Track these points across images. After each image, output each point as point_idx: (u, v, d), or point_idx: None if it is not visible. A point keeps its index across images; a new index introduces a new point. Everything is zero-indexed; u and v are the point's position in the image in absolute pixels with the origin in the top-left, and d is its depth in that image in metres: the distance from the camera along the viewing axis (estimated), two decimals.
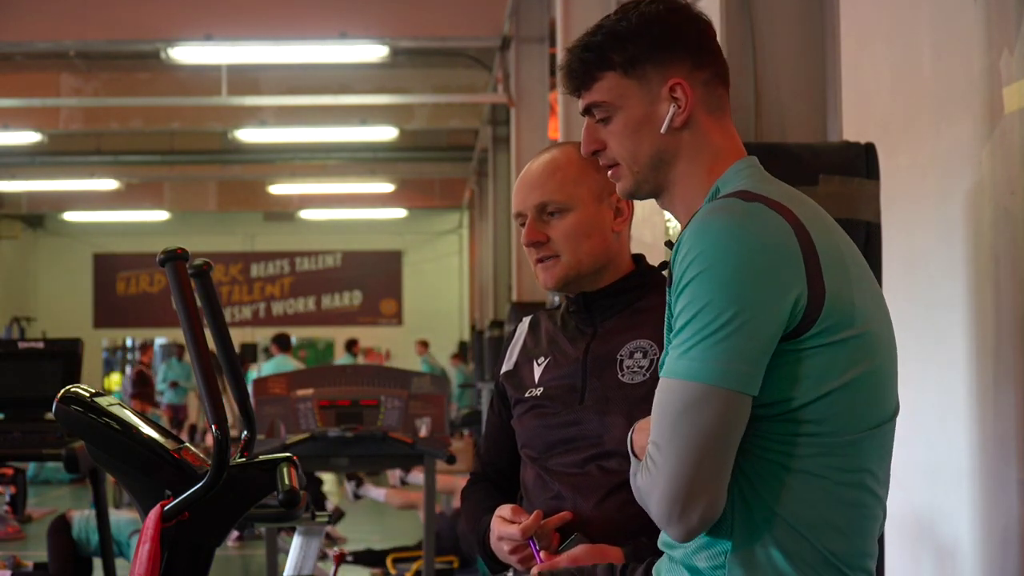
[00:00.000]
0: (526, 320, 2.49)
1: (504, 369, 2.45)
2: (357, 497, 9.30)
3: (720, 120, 1.84)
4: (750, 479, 1.70)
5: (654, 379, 2.16)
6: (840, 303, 1.69)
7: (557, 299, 2.44)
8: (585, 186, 2.32)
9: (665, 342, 1.77)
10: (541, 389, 2.34)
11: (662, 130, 1.80)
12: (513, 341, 2.48)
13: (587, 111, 1.87)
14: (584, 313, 2.34)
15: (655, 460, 1.67)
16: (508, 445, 2.44)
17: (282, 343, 11.86)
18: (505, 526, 2.24)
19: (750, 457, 1.70)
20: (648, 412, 2.14)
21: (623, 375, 2.24)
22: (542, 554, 2.18)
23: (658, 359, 2.18)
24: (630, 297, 2.31)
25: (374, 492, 9.03)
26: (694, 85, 1.80)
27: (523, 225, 2.34)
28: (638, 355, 2.24)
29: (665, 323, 1.77)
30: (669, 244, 1.85)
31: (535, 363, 2.38)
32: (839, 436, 1.70)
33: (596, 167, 2.33)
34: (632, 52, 1.81)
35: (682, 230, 1.84)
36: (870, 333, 1.73)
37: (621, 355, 2.26)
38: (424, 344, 20.20)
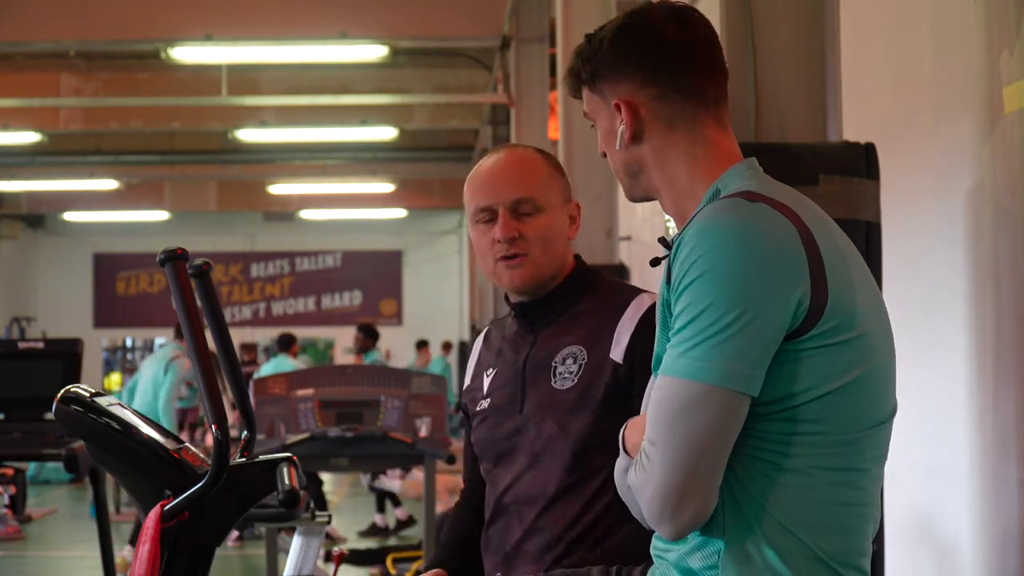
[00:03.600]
0: (482, 333, 2.49)
1: (465, 386, 2.45)
2: (373, 489, 9.32)
3: (692, 130, 1.84)
4: (741, 479, 1.70)
5: (582, 384, 2.20)
6: (842, 304, 1.69)
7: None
8: (555, 189, 2.30)
9: (658, 338, 1.77)
10: (488, 400, 2.33)
11: (616, 146, 1.86)
12: (471, 357, 2.47)
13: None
14: (524, 320, 2.33)
15: (650, 457, 1.67)
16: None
17: (283, 343, 11.85)
18: None
19: (742, 457, 1.70)
20: (576, 418, 2.18)
21: (555, 381, 2.23)
22: None
23: (587, 364, 2.21)
24: (567, 302, 2.29)
25: (389, 483, 9.04)
26: (642, 101, 1.83)
27: (486, 221, 2.28)
28: (569, 361, 2.22)
29: (659, 319, 1.77)
30: (663, 241, 1.85)
31: (485, 375, 2.37)
32: (836, 436, 1.71)
33: (560, 172, 2.36)
34: (591, 69, 1.88)
35: (679, 231, 1.85)
36: (870, 334, 1.73)
37: (555, 362, 2.25)
38: (448, 346, 20.29)
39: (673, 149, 1.84)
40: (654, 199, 1.91)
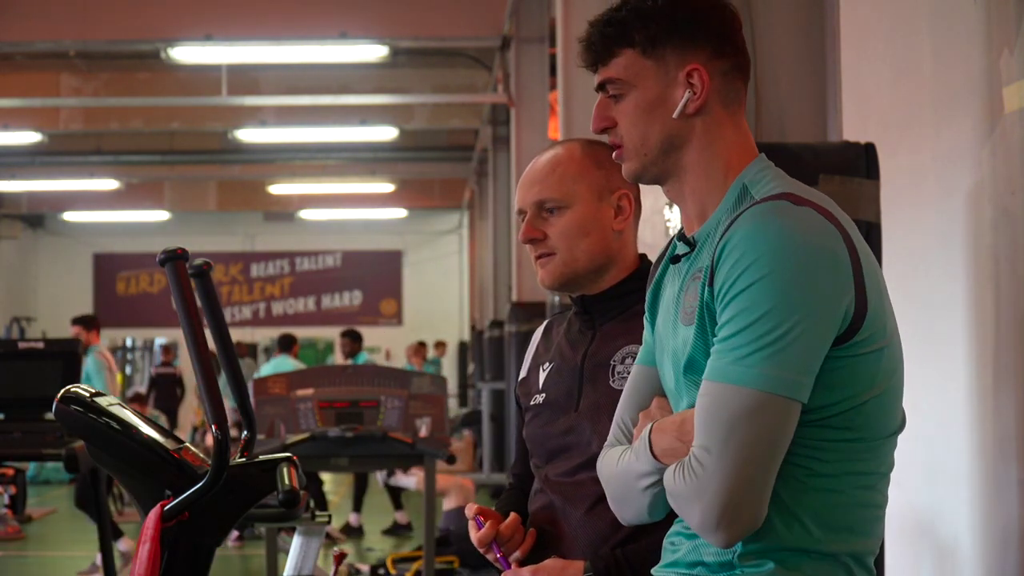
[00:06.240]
0: (541, 326, 2.46)
1: (520, 377, 2.43)
2: (387, 486, 9.30)
3: (735, 115, 1.81)
4: None
5: None
6: (876, 312, 1.69)
7: (557, 299, 2.43)
8: (585, 183, 2.27)
9: (693, 333, 1.73)
10: (543, 395, 2.31)
11: (674, 115, 1.78)
12: (528, 349, 2.44)
13: (601, 87, 1.83)
14: (585, 315, 2.31)
15: (704, 465, 1.64)
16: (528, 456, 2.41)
17: (284, 343, 11.85)
18: (474, 532, 2.24)
19: None
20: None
21: (614, 381, 2.20)
22: (508, 560, 2.21)
23: None
24: (630, 299, 2.27)
25: (404, 480, 9.00)
26: (712, 74, 1.78)
27: (523, 222, 2.30)
28: (629, 360, 2.19)
29: (696, 314, 1.72)
30: (684, 239, 1.82)
31: (541, 369, 2.35)
32: (865, 442, 1.71)
33: (598, 163, 2.29)
34: (654, 32, 1.78)
35: (689, 224, 1.83)
36: (896, 342, 1.74)
37: (614, 360, 2.22)
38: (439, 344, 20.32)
39: (720, 130, 1.79)
40: (662, 182, 1.84)
